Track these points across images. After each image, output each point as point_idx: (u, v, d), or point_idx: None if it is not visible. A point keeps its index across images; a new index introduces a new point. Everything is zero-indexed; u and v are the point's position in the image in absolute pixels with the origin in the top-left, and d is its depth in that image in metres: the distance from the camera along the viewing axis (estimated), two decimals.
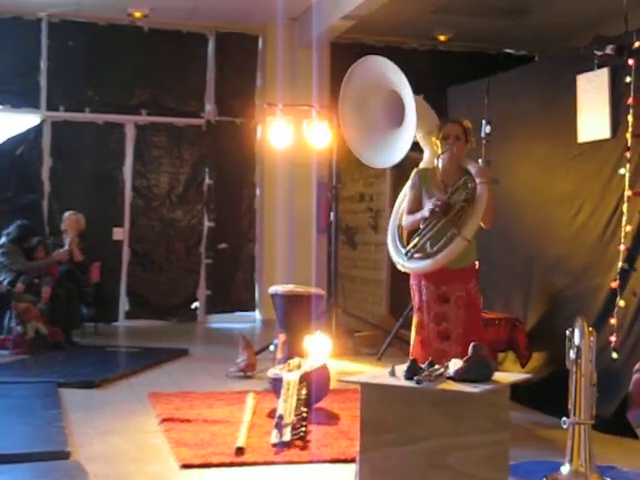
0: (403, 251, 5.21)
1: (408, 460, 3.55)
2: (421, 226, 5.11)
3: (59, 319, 8.80)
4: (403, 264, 5.21)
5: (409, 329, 7.03)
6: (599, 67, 5.74)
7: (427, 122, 5.54)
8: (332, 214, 9.21)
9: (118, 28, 10.84)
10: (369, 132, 5.68)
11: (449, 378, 3.65)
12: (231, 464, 4.61)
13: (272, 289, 7.45)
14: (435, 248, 5.01)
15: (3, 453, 4.60)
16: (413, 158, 10.22)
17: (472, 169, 5.13)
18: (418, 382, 3.52)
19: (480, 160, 6.65)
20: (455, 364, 3.70)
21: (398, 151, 5.49)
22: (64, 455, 4.65)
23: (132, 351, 8.86)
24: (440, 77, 10.07)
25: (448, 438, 3.52)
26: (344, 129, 5.74)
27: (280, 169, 10.70)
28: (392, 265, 9.73)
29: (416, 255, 5.11)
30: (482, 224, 5.08)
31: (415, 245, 5.10)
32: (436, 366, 3.71)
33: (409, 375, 3.60)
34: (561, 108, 6.27)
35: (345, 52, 10.62)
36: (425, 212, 5.06)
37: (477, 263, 5.37)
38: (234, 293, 11.30)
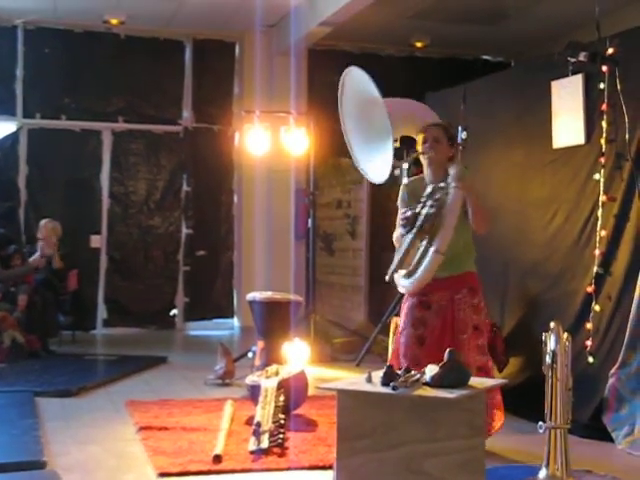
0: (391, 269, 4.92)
1: (385, 466, 3.55)
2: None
3: (36, 327, 8.75)
4: (399, 283, 4.92)
5: (387, 335, 7.07)
6: (573, 73, 5.78)
7: (411, 129, 5.37)
8: (310, 221, 9.22)
9: (94, 35, 10.83)
10: (369, 146, 5.51)
11: (425, 384, 3.65)
12: (209, 472, 4.59)
13: (250, 296, 7.44)
14: (412, 265, 4.74)
15: None
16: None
17: (451, 172, 4.83)
18: (394, 388, 3.52)
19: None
20: (431, 370, 3.71)
21: (385, 165, 5.30)
22: (40, 465, 4.61)
23: (110, 359, 8.82)
24: (417, 83, 10.10)
25: (425, 444, 3.53)
26: (349, 147, 5.55)
27: (258, 176, 10.72)
28: (370, 272, 9.83)
29: (400, 272, 4.84)
30: (476, 229, 4.79)
31: (397, 263, 4.83)
32: (412, 372, 3.72)
33: (385, 381, 3.61)
34: (536, 114, 6.31)
35: (322, 59, 10.68)
36: (398, 227, 4.85)
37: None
38: (212, 300, 11.29)
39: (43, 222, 9.71)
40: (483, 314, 4.90)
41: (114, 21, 10.38)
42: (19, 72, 10.65)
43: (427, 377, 3.67)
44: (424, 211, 4.72)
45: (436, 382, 3.63)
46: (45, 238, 9.53)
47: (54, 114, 10.77)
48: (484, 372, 4.73)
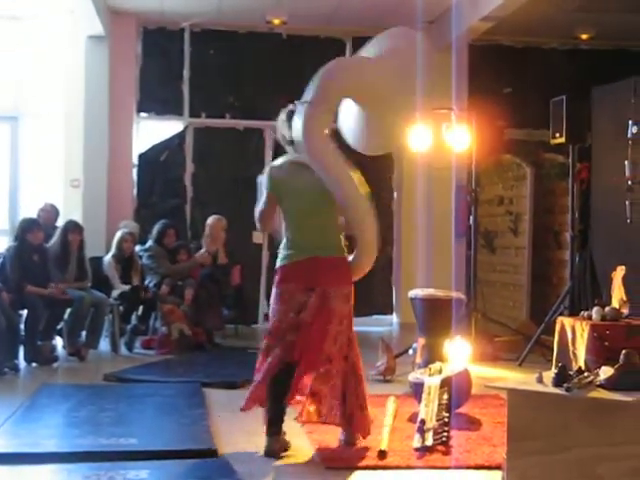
0: None
1: (557, 469, 3.48)
2: None
3: (202, 320, 9.03)
4: None
5: (551, 335, 6.91)
6: None
7: None
8: (471, 218, 9.11)
9: (257, 35, 11.06)
10: None
11: (599, 386, 3.56)
12: (375, 467, 4.63)
13: (412, 293, 7.42)
14: None
15: (156, 449, 4.77)
16: (551, 159, 9.97)
17: None
18: (568, 389, 3.44)
19: (627, 162, 6.48)
20: (606, 372, 3.61)
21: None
22: (212, 453, 4.77)
23: None
24: (582, 77, 9.84)
25: (599, 448, 3.43)
26: None
27: (419, 172, 10.65)
28: (533, 270, 9.63)
29: None
30: None
31: None
32: (585, 373, 3.62)
33: (558, 382, 3.53)
34: None
35: (483, 54, 10.51)
36: None
37: None
38: (372, 296, 11.30)
39: (211, 218, 9.98)
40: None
41: (276, 21, 10.56)
42: (186, 73, 11.00)
43: (601, 379, 3.57)
44: None
45: (611, 384, 3.52)
46: (212, 234, 9.79)
47: (218, 113, 11.06)
48: None
